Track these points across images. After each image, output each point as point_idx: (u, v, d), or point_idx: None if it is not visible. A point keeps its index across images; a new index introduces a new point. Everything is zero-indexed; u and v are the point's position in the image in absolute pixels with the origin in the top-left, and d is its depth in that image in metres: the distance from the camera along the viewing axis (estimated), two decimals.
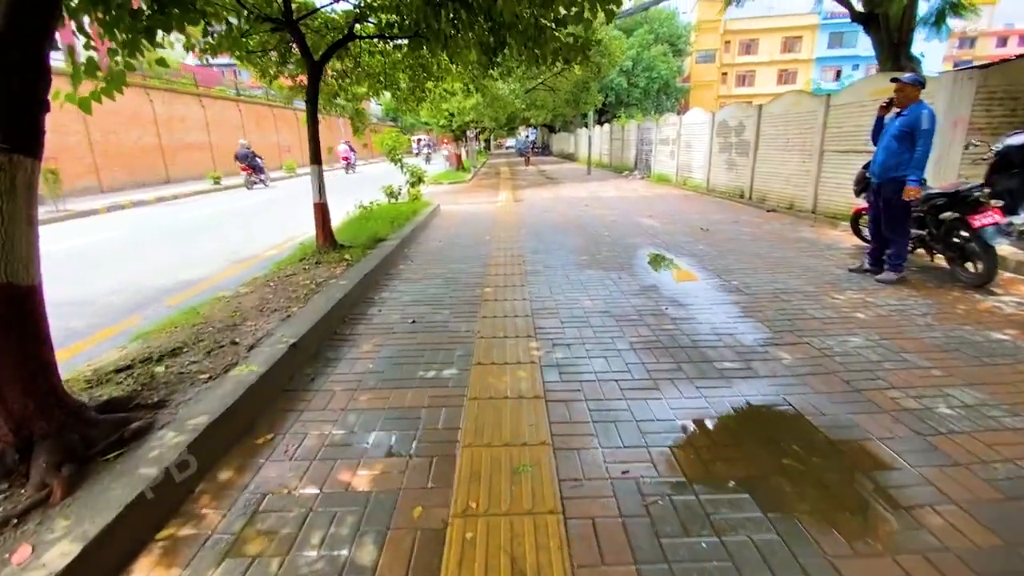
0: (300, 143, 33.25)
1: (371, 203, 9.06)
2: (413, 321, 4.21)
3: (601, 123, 27.15)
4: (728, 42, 51.53)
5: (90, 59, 3.10)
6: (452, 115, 18.07)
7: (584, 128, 31.24)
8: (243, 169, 18.23)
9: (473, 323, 4.12)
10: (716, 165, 12.30)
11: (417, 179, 10.48)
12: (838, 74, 50.39)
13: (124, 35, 3.26)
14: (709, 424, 2.61)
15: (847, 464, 2.27)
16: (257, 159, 18.49)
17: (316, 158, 6.01)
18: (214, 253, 7.74)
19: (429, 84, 8.20)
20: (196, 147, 23.12)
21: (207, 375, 2.87)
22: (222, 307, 4.28)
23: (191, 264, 7.04)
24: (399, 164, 10.43)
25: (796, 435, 2.50)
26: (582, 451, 2.39)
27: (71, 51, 3.10)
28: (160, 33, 3.63)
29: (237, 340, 3.40)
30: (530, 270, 5.75)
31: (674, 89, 41.69)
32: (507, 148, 61.46)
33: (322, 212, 6.10)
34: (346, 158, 24.93)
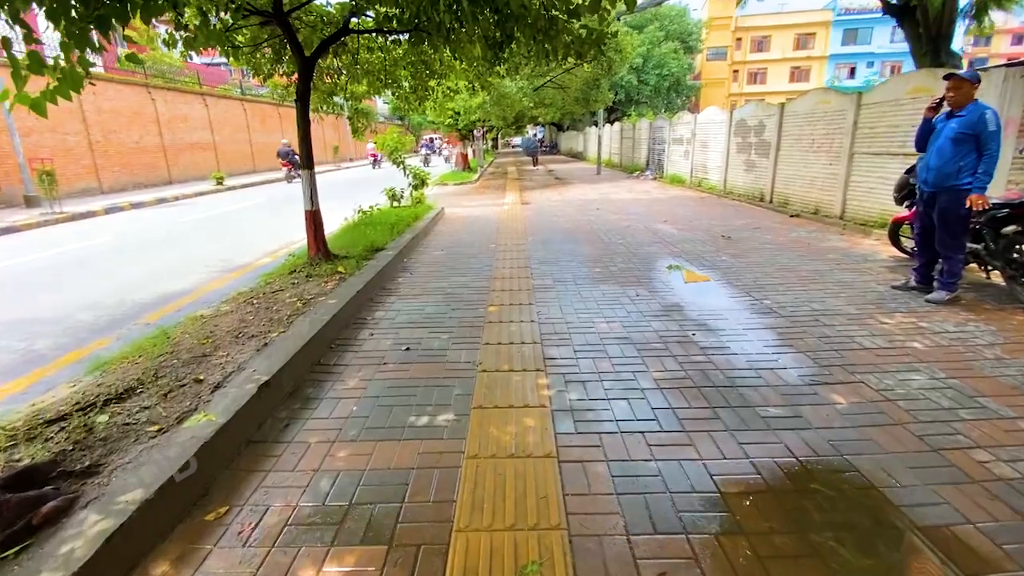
0: None
1: (371, 207, 8.61)
2: (407, 348, 3.74)
3: (611, 121, 26.60)
4: (740, 39, 50.72)
5: (33, 54, 2.66)
6: (458, 114, 17.58)
7: (593, 127, 30.66)
8: (284, 165, 20.41)
9: (474, 351, 3.65)
10: (734, 166, 11.74)
11: (420, 182, 10.02)
12: (852, 71, 49.42)
13: (70, 26, 2.81)
14: (760, 497, 2.12)
15: (945, 564, 1.78)
16: (295, 156, 20.21)
17: (307, 162, 5.57)
18: (206, 261, 7.34)
19: (431, 82, 7.74)
20: (200, 147, 22.82)
21: (157, 426, 2.43)
22: (196, 330, 3.84)
23: (180, 273, 6.64)
24: (401, 166, 9.98)
25: (871, 516, 2.01)
26: (606, 539, 1.92)
27: (7, 44, 2.67)
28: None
29: (202, 377, 2.95)
30: (538, 284, 5.28)
31: (685, 87, 40.97)
32: (514, 147, 60.80)
33: (314, 221, 5.66)
34: (374, 155, 27.65)
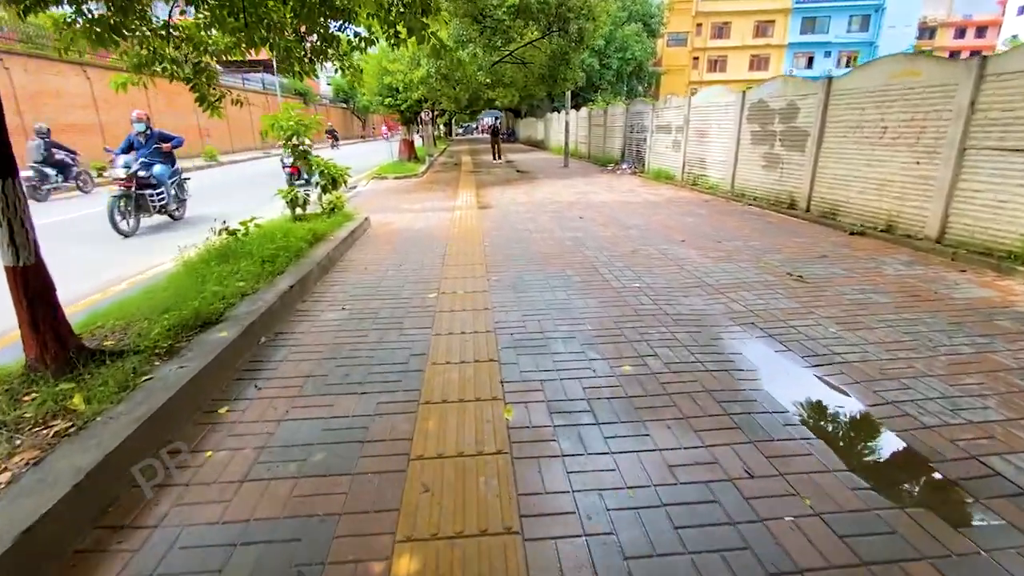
0: (225, 126, 28.65)
1: (246, 223, 5.49)
2: None
3: (576, 107, 23.94)
4: (700, 24, 49.29)
5: None
6: (396, 91, 14.38)
7: (555, 112, 27.85)
8: (328, 137, 32.84)
9: None
10: (746, 161, 9.25)
11: (329, 181, 6.94)
12: (811, 60, 48.86)
13: None
14: None
15: None
16: (335, 131, 34.34)
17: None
18: None
19: (326, 25, 4.77)
20: (78, 129, 18.47)
21: None
22: None
23: None
24: (303, 159, 6.86)
25: None
26: None
27: None
28: None
29: None
30: (520, 434, 2.45)
31: (647, 73, 38.91)
32: (457, 135, 57.33)
33: (26, 289, 2.61)
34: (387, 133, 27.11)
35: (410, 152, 18.17)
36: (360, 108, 48.16)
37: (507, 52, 14.64)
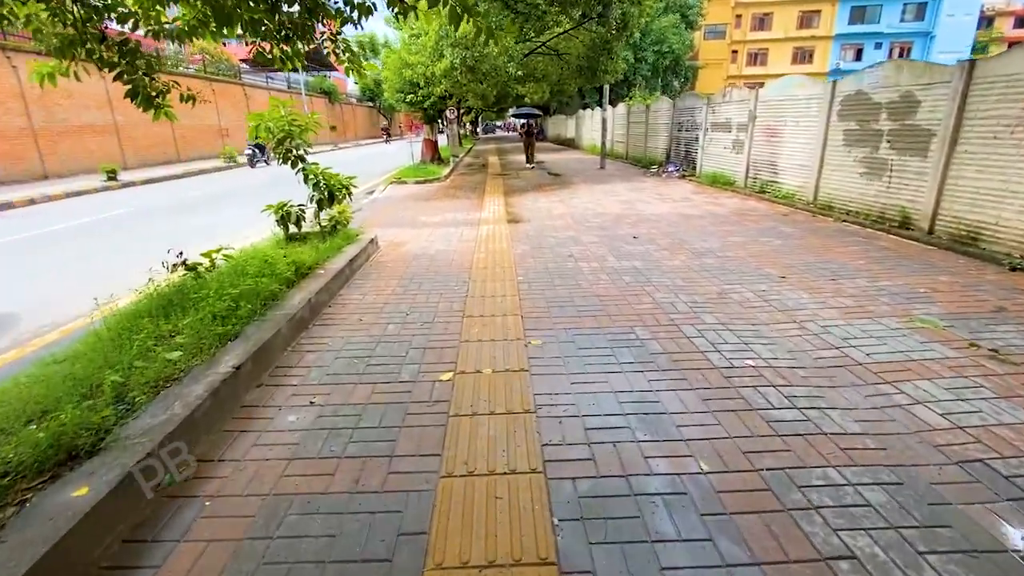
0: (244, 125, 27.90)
1: (211, 255, 4.19)
2: None
3: (612, 103, 22.28)
4: (739, 16, 46.84)
5: None
6: (418, 86, 13.07)
7: (587, 109, 26.22)
8: (383, 132, 39.20)
9: None
10: (836, 167, 7.57)
11: (325, 196, 5.58)
12: (859, 53, 45.78)
13: None
14: None
15: None
16: (388, 128, 41.02)
17: None
18: None
19: None
20: (92, 131, 17.79)
21: None
22: None
23: None
24: (296, 166, 5.52)
25: None
26: None
27: None
28: None
29: None
30: None
31: (683, 67, 36.87)
32: (479, 134, 55.31)
33: None
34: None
35: (433, 153, 16.83)
36: (386, 107, 47.30)
37: (540, 43, 13.14)
